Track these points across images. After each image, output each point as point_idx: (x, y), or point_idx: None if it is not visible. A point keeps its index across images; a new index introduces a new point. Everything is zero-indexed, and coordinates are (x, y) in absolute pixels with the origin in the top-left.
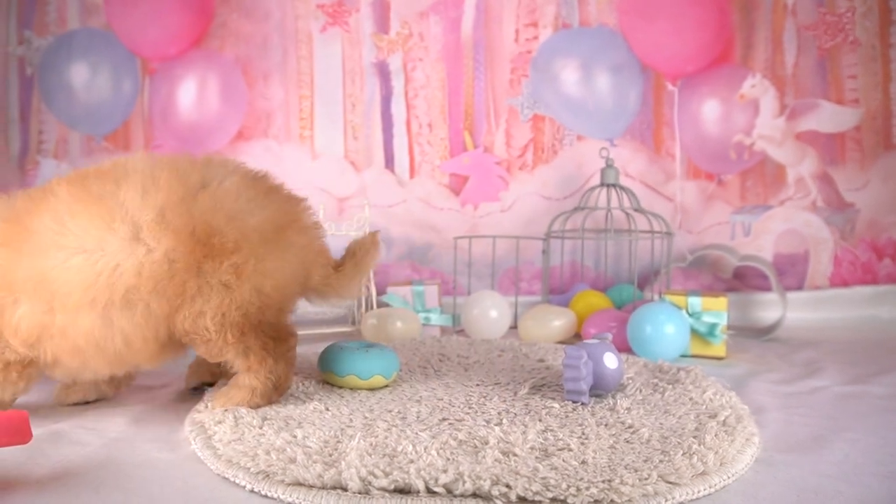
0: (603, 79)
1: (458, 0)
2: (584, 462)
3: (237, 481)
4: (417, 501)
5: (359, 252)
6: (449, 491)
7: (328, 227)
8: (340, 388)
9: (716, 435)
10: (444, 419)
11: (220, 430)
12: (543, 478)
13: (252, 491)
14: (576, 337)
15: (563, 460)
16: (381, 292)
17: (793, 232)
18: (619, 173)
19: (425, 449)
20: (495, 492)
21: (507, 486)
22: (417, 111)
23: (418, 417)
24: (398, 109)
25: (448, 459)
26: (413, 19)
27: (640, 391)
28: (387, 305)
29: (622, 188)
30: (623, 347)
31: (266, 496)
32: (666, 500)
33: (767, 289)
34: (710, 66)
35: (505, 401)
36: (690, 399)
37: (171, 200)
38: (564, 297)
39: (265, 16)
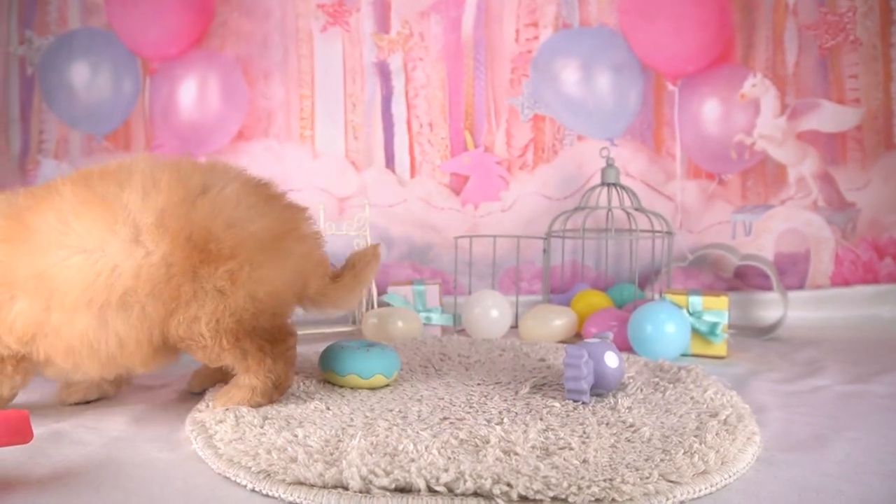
0: (603, 79)
1: (459, 0)
2: (585, 461)
3: (238, 481)
4: (418, 500)
5: (358, 264)
6: (450, 490)
7: (328, 226)
8: (341, 387)
9: (717, 434)
10: (445, 418)
11: (221, 430)
12: (545, 477)
13: (253, 490)
14: (576, 336)
15: (565, 459)
16: (381, 292)
17: (794, 231)
18: (619, 173)
19: (426, 448)
20: (496, 491)
21: (509, 484)
22: (418, 111)
23: (419, 416)
24: (399, 109)
25: (449, 458)
26: (413, 19)
27: (641, 390)
28: (388, 305)
29: (623, 187)
30: (624, 347)
31: (267, 495)
32: (667, 499)
33: (768, 288)
34: (711, 66)
35: (506, 400)
36: (691, 398)
37: (171, 204)
38: (565, 297)
39: (266, 15)
